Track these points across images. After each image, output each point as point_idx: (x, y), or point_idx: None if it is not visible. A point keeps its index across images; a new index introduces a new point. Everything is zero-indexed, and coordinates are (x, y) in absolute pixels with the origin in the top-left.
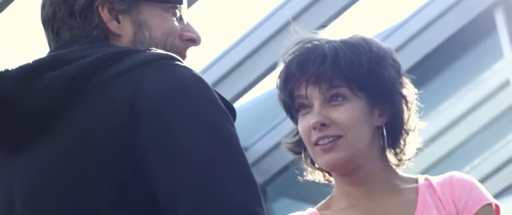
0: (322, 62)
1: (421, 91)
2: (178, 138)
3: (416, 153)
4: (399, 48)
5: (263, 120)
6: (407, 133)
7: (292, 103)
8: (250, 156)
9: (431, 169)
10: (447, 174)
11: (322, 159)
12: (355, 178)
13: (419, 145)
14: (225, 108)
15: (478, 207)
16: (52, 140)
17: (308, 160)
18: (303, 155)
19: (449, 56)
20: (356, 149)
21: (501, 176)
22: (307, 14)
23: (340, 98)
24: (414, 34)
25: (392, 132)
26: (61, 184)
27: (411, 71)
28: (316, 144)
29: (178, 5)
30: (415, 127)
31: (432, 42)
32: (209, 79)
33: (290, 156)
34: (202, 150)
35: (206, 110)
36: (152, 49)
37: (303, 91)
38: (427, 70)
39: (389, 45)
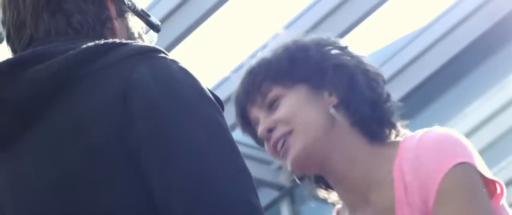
0: (248, 82)
1: (446, 95)
2: (171, 132)
3: None
4: (426, 51)
5: None
6: (377, 101)
7: (255, 138)
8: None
9: None
10: (408, 141)
11: (288, 164)
12: (335, 175)
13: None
14: (214, 100)
15: (438, 179)
16: (39, 135)
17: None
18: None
19: (476, 58)
20: (310, 136)
21: None
22: (334, 16)
23: (277, 100)
24: (441, 37)
25: (352, 104)
26: (51, 179)
27: (438, 74)
28: (277, 154)
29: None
30: (386, 93)
31: (459, 44)
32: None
33: None
34: (194, 144)
35: (197, 103)
36: (137, 42)
37: (251, 116)
38: (454, 72)
39: (416, 48)
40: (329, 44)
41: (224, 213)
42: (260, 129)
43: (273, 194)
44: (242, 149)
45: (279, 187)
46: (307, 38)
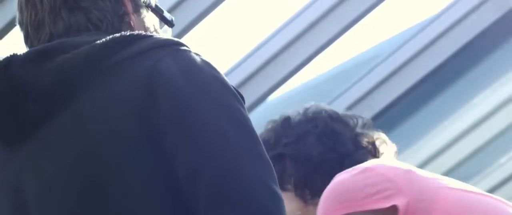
0: None
1: (453, 85)
2: (197, 116)
3: (450, 147)
4: (435, 40)
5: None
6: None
7: None
8: None
9: (467, 160)
10: None
11: None
12: None
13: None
14: (236, 92)
15: None
16: (64, 122)
17: None
18: None
19: (485, 48)
20: None
21: None
22: (340, 7)
23: None
24: (450, 26)
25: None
26: (72, 157)
27: (445, 64)
28: None
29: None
30: None
31: (468, 34)
32: (245, 72)
33: None
34: (219, 129)
35: (220, 92)
36: (161, 35)
37: None
38: (463, 62)
39: (424, 38)
40: None
41: (247, 196)
42: None
43: None
44: None
45: None
46: None
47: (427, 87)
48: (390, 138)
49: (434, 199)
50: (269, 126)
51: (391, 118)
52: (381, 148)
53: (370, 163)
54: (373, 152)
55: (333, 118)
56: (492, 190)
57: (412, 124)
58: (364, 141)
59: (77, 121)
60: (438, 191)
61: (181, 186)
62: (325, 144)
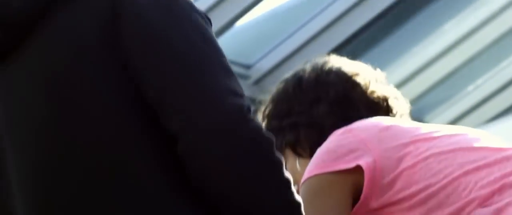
0: None
1: (424, 10)
2: (166, 34)
3: (419, 74)
4: None
5: (266, 38)
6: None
7: None
8: (254, 74)
9: (435, 88)
10: None
11: None
12: None
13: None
14: (204, 15)
15: None
16: (33, 47)
17: None
18: None
19: None
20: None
21: (505, 95)
22: None
23: None
24: None
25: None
26: (42, 82)
27: None
28: None
29: None
30: None
31: None
32: None
33: None
34: (189, 44)
35: (190, 14)
36: None
37: None
38: None
39: None
40: None
41: (214, 104)
42: None
43: None
44: None
45: (255, 101)
46: None
47: (396, 13)
48: None
49: (400, 157)
50: (281, 86)
51: (359, 44)
52: (394, 105)
53: (355, 124)
54: (386, 110)
55: (344, 80)
56: (459, 118)
57: (381, 51)
58: (377, 100)
59: (44, 46)
60: (406, 147)
61: (151, 102)
62: (337, 113)
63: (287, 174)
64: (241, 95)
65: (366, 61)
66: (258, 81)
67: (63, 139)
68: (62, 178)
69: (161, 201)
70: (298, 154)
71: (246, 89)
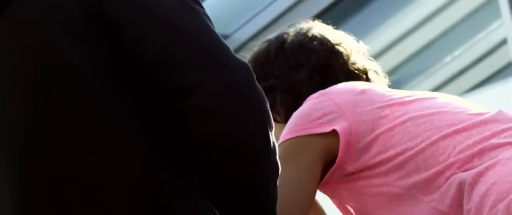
0: None
1: None
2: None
3: (397, 44)
4: None
5: (243, 8)
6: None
7: None
8: (231, 44)
9: (412, 58)
10: None
11: None
12: None
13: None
14: None
15: None
16: (12, 20)
17: None
18: None
19: None
20: None
21: (482, 66)
22: None
23: None
24: None
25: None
26: (24, 53)
27: None
28: None
29: None
30: None
31: None
32: None
33: None
34: (187, 9)
35: None
36: None
37: None
38: None
39: None
40: None
41: (225, 62)
42: None
43: None
44: None
45: None
46: None
47: None
48: None
49: (376, 120)
50: (263, 47)
51: (337, 15)
52: (373, 78)
53: (330, 88)
54: (365, 82)
55: (326, 48)
56: (436, 89)
57: (359, 21)
58: (357, 71)
59: (27, 15)
60: (382, 110)
61: (152, 63)
62: (316, 81)
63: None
64: (231, 53)
65: (344, 32)
66: (236, 51)
67: (42, 101)
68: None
69: (146, 163)
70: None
71: None
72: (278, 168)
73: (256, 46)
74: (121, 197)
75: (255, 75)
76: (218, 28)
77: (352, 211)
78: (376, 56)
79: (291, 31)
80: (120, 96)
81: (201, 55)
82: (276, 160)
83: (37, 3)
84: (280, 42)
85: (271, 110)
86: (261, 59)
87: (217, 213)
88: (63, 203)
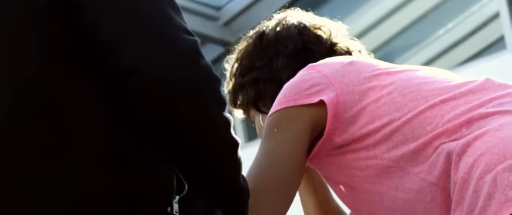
0: None
1: None
2: None
3: (389, 17)
4: None
5: None
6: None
7: None
8: (223, 16)
9: (405, 31)
10: None
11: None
12: None
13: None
14: None
15: None
16: None
17: None
18: None
19: None
20: None
21: (475, 39)
22: None
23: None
24: None
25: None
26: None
27: None
28: None
29: None
30: None
31: None
32: None
33: (264, 15)
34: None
35: None
36: None
37: None
38: None
39: None
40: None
41: (170, 41)
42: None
43: (218, 49)
44: (189, 5)
45: (224, 43)
46: None
47: None
48: (327, 9)
49: (363, 91)
50: (244, 43)
51: None
52: (356, 56)
53: (319, 61)
54: None
55: (304, 33)
56: (429, 62)
57: None
58: (340, 51)
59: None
60: (369, 81)
61: (104, 45)
62: (295, 66)
63: (228, 114)
64: (190, 33)
65: (337, 4)
66: (227, 23)
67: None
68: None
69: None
70: (260, 111)
71: (216, 30)
72: (233, 143)
73: (247, 21)
74: (85, 164)
75: (201, 54)
76: (211, 0)
77: (341, 186)
78: (369, 29)
79: (270, 22)
80: (78, 76)
81: (141, 37)
82: (229, 134)
83: None
84: (258, 36)
85: (258, 102)
86: (243, 55)
87: (180, 175)
88: (25, 166)
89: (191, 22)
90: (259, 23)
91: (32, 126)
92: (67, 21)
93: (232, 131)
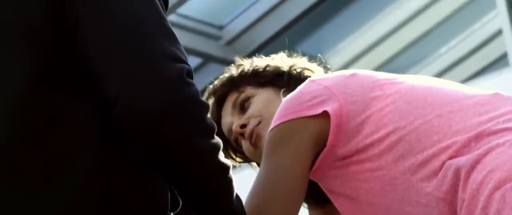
0: (227, 81)
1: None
2: (107, 2)
3: (392, 35)
4: None
5: None
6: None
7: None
8: (226, 35)
9: (408, 48)
10: None
11: (246, 145)
12: None
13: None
14: None
15: None
16: None
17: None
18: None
19: None
20: None
21: (477, 57)
22: None
23: (248, 100)
24: None
25: None
26: None
27: None
28: (251, 144)
29: None
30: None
31: None
32: None
33: (266, 35)
34: (132, 9)
35: None
36: None
37: (225, 120)
38: None
39: None
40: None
41: (153, 70)
42: (234, 126)
43: (221, 69)
44: (191, 24)
45: (227, 62)
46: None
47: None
48: (330, 27)
49: (367, 101)
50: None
51: (330, 5)
52: (307, 74)
53: (318, 76)
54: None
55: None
56: None
57: (356, 10)
58: (296, 74)
59: None
60: (372, 91)
61: (95, 70)
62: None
63: (217, 139)
64: (181, 60)
65: (340, 22)
66: (230, 42)
67: None
68: None
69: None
70: (279, 86)
71: (219, 50)
72: (221, 168)
73: (250, 41)
74: (78, 183)
75: (187, 82)
76: (213, 19)
77: (344, 199)
78: (372, 47)
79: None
80: (71, 95)
81: (125, 68)
82: (216, 160)
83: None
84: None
85: (280, 81)
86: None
87: (175, 191)
88: (22, 182)
89: (193, 42)
90: (262, 42)
91: (22, 146)
92: (60, 43)
93: (220, 156)
